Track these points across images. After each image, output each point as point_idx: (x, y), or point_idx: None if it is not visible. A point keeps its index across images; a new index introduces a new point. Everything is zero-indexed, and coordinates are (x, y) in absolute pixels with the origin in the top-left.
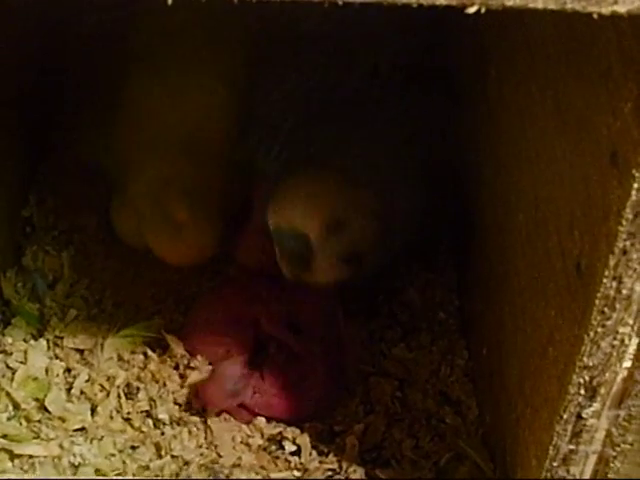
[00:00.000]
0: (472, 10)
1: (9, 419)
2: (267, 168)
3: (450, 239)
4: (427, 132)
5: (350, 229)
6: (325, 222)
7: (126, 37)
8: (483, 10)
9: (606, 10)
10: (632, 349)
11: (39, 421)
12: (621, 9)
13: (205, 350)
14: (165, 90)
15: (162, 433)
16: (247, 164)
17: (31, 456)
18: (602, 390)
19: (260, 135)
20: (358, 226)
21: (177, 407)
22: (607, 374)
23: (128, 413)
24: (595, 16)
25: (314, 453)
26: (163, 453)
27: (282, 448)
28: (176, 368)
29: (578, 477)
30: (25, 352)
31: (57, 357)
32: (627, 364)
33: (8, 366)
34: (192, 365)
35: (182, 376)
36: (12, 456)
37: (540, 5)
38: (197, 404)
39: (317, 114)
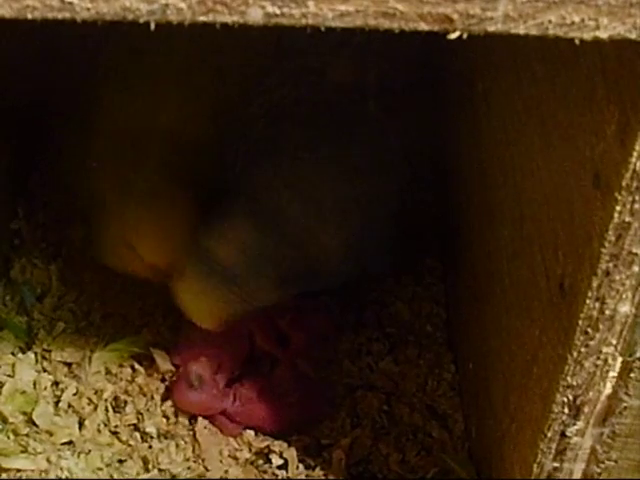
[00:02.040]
0: (454, 36)
1: None
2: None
3: (438, 253)
4: (414, 148)
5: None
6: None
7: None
8: (465, 36)
9: (588, 35)
10: (615, 368)
11: (27, 435)
12: (603, 35)
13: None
14: (135, 107)
15: (150, 446)
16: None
17: (19, 470)
18: (586, 409)
19: (232, 149)
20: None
21: (165, 420)
22: (591, 393)
23: (116, 426)
24: (577, 42)
25: (301, 467)
26: (150, 467)
27: (269, 462)
28: (163, 381)
29: None
30: (13, 365)
31: (45, 370)
32: (611, 383)
33: None
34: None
35: (169, 389)
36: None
37: (522, 31)
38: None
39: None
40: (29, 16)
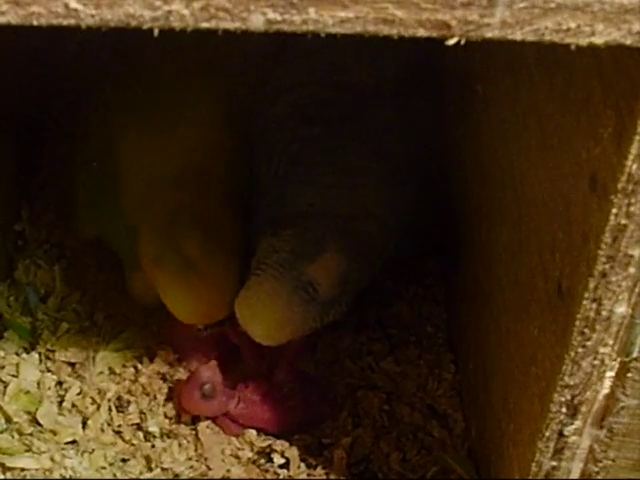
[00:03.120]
0: (452, 42)
1: (1, 432)
2: (267, 185)
3: (439, 254)
4: (417, 149)
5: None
6: (293, 336)
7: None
8: (463, 42)
9: (583, 41)
10: (612, 368)
11: (31, 434)
12: (598, 40)
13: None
14: (154, 130)
15: (152, 446)
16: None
17: (23, 469)
18: (583, 408)
19: (259, 151)
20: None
21: (167, 420)
22: (588, 393)
23: (119, 426)
24: (573, 47)
25: (302, 466)
26: (153, 466)
27: (271, 461)
28: (166, 381)
29: None
30: (17, 365)
31: (49, 370)
32: (608, 383)
33: (0, 379)
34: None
35: (172, 389)
36: (4, 469)
37: (519, 37)
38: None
39: (315, 134)
40: (35, 23)
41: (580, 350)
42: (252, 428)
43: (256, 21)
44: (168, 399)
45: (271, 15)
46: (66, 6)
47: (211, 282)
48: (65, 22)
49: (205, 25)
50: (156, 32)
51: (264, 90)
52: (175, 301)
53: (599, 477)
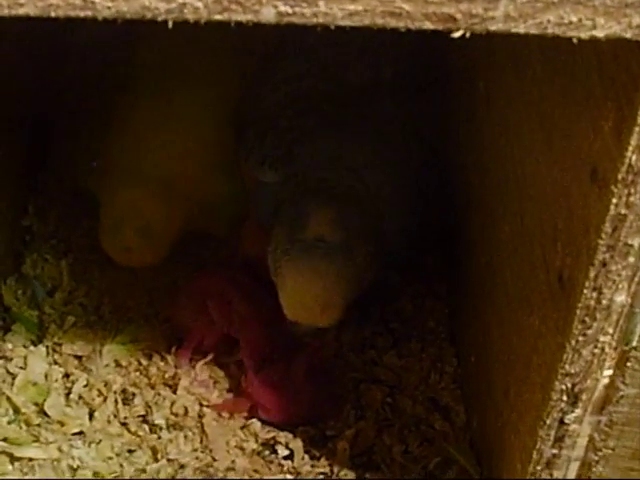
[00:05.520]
0: (457, 34)
1: (9, 423)
2: (261, 176)
3: (441, 249)
4: (420, 147)
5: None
6: (342, 313)
7: (120, 64)
8: (468, 35)
9: (585, 35)
10: (612, 357)
11: (39, 425)
12: (599, 34)
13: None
14: (151, 120)
15: (158, 437)
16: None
17: (31, 459)
18: (584, 396)
19: (253, 143)
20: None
21: (173, 412)
22: (588, 381)
23: (125, 418)
24: (575, 40)
25: (306, 457)
26: (159, 457)
27: (275, 452)
28: (171, 374)
29: None
30: (25, 358)
31: (56, 363)
32: (608, 372)
33: (8, 371)
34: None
35: (177, 383)
36: (12, 459)
37: (522, 30)
38: None
39: (311, 125)
40: (52, 14)
41: (581, 339)
42: (256, 411)
43: (267, 14)
44: (173, 392)
45: (282, 8)
46: None
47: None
48: (82, 14)
49: (218, 17)
50: (170, 24)
51: (264, 79)
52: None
53: (599, 466)
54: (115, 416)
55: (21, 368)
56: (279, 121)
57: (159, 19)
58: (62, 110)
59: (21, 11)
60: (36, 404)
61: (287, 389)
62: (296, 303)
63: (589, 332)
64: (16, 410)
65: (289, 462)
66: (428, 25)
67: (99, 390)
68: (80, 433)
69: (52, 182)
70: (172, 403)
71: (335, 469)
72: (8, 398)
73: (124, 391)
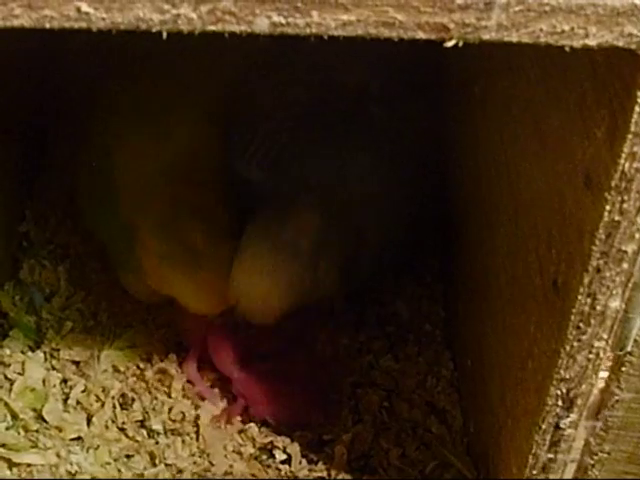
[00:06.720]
0: (450, 44)
1: (7, 429)
2: (247, 174)
3: (437, 253)
4: (414, 148)
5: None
6: (277, 315)
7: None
8: (461, 44)
9: (577, 43)
10: (607, 362)
11: (37, 430)
12: (592, 42)
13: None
14: (147, 130)
15: (156, 442)
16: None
17: (29, 465)
18: (579, 401)
19: (240, 141)
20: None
21: (170, 417)
22: (583, 386)
23: (123, 423)
24: (567, 49)
25: (304, 461)
26: (157, 462)
27: (273, 457)
28: (169, 379)
29: None
30: (23, 363)
31: (54, 368)
32: (603, 376)
33: (6, 377)
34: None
35: (175, 388)
36: (11, 464)
37: (515, 39)
38: None
39: (301, 129)
40: (47, 25)
41: (575, 344)
42: (251, 408)
43: (261, 24)
44: (171, 397)
45: (276, 18)
46: (78, 9)
47: (220, 272)
48: (77, 25)
49: (212, 28)
50: (164, 35)
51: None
52: (187, 294)
53: (594, 470)
54: (113, 421)
55: (19, 374)
56: (269, 123)
57: (153, 30)
58: (59, 116)
59: (16, 22)
60: (34, 410)
61: (276, 383)
62: (238, 288)
63: (584, 337)
64: (14, 416)
65: (286, 466)
66: (421, 35)
67: (97, 395)
68: (78, 438)
69: (49, 188)
70: (170, 408)
71: (332, 473)
72: (6, 404)
73: (122, 396)
